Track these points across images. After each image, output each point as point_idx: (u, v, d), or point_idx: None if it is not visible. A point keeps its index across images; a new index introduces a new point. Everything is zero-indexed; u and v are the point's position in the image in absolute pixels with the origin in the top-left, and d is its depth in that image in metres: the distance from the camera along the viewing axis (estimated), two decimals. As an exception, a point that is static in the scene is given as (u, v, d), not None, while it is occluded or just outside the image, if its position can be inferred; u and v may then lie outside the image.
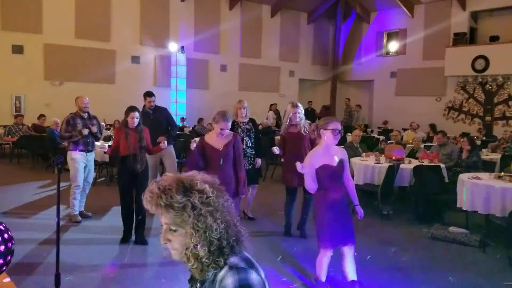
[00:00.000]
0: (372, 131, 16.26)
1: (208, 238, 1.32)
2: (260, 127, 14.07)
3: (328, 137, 3.72)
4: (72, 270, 4.34)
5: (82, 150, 6.13)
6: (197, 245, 1.32)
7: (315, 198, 3.85)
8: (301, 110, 5.65)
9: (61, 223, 5.56)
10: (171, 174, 1.40)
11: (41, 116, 12.11)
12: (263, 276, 1.33)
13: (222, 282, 1.29)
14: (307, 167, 3.65)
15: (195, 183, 1.35)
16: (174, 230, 1.35)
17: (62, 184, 4.56)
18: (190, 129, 13.96)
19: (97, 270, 4.50)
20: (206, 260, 1.32)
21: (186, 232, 1.33)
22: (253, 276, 1.29)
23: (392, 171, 6.85)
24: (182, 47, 15.80)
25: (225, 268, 1.31)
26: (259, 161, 6.21)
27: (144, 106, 6.74)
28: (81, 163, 6.15)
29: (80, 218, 6.12)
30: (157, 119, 6.75)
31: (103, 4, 14.66)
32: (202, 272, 1.34)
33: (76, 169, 6.10)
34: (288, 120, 5.63)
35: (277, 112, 16.83)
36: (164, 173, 6.45)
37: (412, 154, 8.63)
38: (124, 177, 5.24)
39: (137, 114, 5.30)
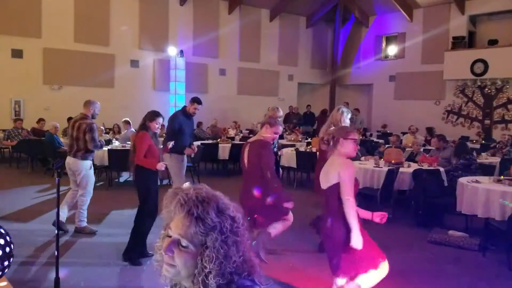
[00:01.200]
0: (371, 135, 16.28)
1: (223, 269, 1.20)
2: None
3: (351, 148, 3.31)
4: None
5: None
6: (210, 272, 1.19)
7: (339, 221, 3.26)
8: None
9: (66, 238, 5.55)
10: (203, 185, 1.29)
11: (41, 120, 12.11)
12: None
13: None
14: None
15: (229, 207, 1.25)
16: (184, 246, 1.21)
17: (61, 188, 4.56)
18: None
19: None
20: (213, 280, 1.19)
21: (198, 254, 1.21)
22: None
23: (391, 175, 6.86)
24: (181, 51, 15.82)
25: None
26: None
27: (185, 110, 6.57)
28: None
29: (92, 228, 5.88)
30: (193, 125, 6.85)
31: (102, 8, 14.69)
32: None
33: (93, 178, 5.96)
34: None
35: (275, 116, 16.81)
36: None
37: (411, 158, 8.64)
38: (155, 192, 4.85)
39: (162, 120, 5.12)
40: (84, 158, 5.71)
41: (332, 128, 4.43)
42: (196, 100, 6.49)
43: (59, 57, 13.88)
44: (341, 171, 3.18)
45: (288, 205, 4.51)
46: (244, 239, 1.25)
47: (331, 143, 3.35)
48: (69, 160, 5.76)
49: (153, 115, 5.08)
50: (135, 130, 10.67)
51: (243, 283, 1.22)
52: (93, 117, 5.79)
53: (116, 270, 4.59)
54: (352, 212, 3.15)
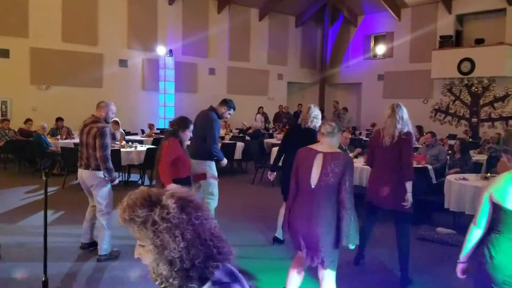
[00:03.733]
0: (360, 134, 16.38)
1: (167, 256, 1.25)
2: (250, 130, 14.11)
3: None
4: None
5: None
6: (158, 263, 1.27)
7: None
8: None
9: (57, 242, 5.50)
10: (139, 189, 1.35)
11: (28, 120, 11.96)
12: None
13: None
14: None
15: (162, 197, 1.30)
16: (143, 246, 1.31)
17: (49, 189, 4.52)
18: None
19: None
20: (175, 282, 1.26)
21: (150, 249, 1.29)
22: None
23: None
24: (171, 51, 15.76)
25: (208, 284, 1.26)
26: None
27: (217, 112, 5.68)
28: None
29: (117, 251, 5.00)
30: None
31: (90, 7, 14.57)
32: None
33: (111, 193, 4.93)
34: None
35: (264, 115, 16.89)
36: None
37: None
38: None
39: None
40: (100, 168, 4.77)
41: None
42: (233, 106, 5.73)
43: (46, 57, 13.74)
44: None
45: None
46: (181, 223, 1.26)
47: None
48: (81, 173, 4.88)
49: (187, 122, 4.35)
50: (123, 130, 10.66)
51: (221, 279, 1.26)
52: (106, 121, 4.95)
53: (107, 267, 4.58)
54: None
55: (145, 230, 1.27)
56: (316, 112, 5.13)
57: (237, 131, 15.25)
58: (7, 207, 7.08)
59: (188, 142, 4.79)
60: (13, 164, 10.88)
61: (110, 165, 4.74)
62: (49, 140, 10.44)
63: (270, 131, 15.60)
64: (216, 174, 5.46)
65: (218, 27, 17.37)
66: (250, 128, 14.57)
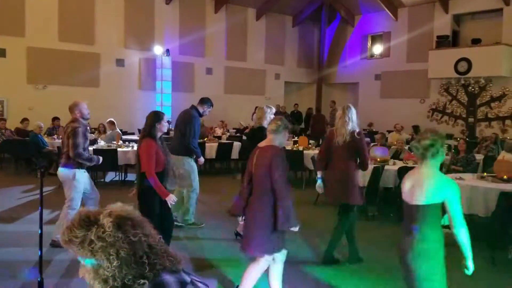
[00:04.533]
0: (357, 133, 16.37)
1: (101, 276, 1.29)
2: (247, 130, 14.11)
3: None
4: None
5: (84, 167, 5.16)
6: (94, 282, 1.31)
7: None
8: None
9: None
10: (90, 208, 1.41)
11: (24, 120, 11.93)
12: None
13: None
14: None
15: (99, 216, 1.33)
16: (84, 265, 1.34)
17: (45, 189, 4.51)
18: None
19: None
20: None
21: (88, 269, 1.33)
22: None
23: (377, 173, 6.92)
24: (168, 50, 15.74)
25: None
26: None
27: (198, 110, 6.13)
28: (83, 184, 5.19)
29: None
30: None
31: (87, 6, 14.53)
32: None
33: (79, 191, 5.13)
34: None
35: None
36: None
37: (396, 156, 8.72)
38: (156, 216, 4.22)
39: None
40: (66, 165, 5.00)
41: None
42: (210, 103, 6.26)
43: (43, 56, 13.70)
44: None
45: None
46: (117, 241, 1.29)
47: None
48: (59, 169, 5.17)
49: (160, 114, 4.44)
50: (120, 130, 10.65)
51: (160, 279, 1.30)
52: (84, 118, 5.14)
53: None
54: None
55: (83, 250, 1.30)
56: (271, 113, 5.62)
57: (234, 130, 15.24)
58: (4, 206, 7.06)
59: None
60: (9, 164, 10.86)
61: (85, 155, 5.02)
62: (46, 139, 10.42)
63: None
64: (195, 170, 6.03)
65: (215, 26, 17.35)
66: (247, 127, 14.56)
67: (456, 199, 2.73)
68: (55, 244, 5.07)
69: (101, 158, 5.37)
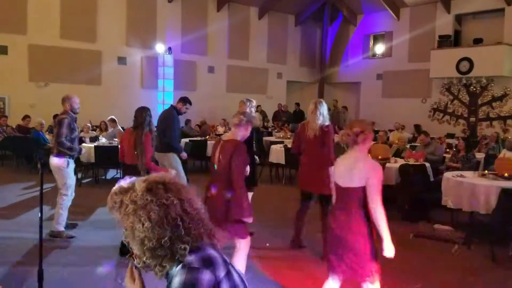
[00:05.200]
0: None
1: (137, 237, 1.35)
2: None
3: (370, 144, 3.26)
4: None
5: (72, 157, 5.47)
6: (132, 243, 1.39)
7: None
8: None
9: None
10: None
11: (26, 117, 11.95)
12: (221, 275, 1.33)
13: (174, 279, 1.32)
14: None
15: (131, 185, 1.43)
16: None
17: (45, 186, 4.51)
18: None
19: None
20: (147, 261, 1.36)
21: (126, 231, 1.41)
22: (204, 276, 1.29)
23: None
24: (170, 48, 15.74)
25: (180, 266, 1.33)
26: None
27: (177, 109, 6.61)
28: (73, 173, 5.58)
29: (70, 233, 5.47)
30: None
31: (89, 4, 14.54)
32: (155, 271, 1.38)
33: (72, 178, 5.50)
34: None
35: (262, 113, 16.90)
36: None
37: (397, 154, 8.72)
38: None
39: None
40: (57, 154, 5.32)
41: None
42: (188, 101, 6.61)
43: (44, 54, 13.71)
44: (371, 177, 2.98)
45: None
46: (147, 204, 1.35)
47: (358, 137, 3.05)
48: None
49: (147, 109, 5.14)
50: (121, 128, 10.66)
51: (191, 263, 1.32)
52: (74, 112, 5.52)
53: (102, 269, 4.58)
54: (383, 221, 3.01)
55: (122, 215, 1.39)
56: (251, 107, 5.70)
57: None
58: (5, 203, 7.08)
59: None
60: (11, 161, 10.88)
61: (67, 144, 5.28)
62: (47, 136, 10.41)
63: (269, 129, 15.66)
64: (180, 164, 6.36)
65: (217, 25, 17.35)
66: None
67: (376, 180, 3.01)
68: (53, 235, 5.31)
69: (83, 150, 5.87)
